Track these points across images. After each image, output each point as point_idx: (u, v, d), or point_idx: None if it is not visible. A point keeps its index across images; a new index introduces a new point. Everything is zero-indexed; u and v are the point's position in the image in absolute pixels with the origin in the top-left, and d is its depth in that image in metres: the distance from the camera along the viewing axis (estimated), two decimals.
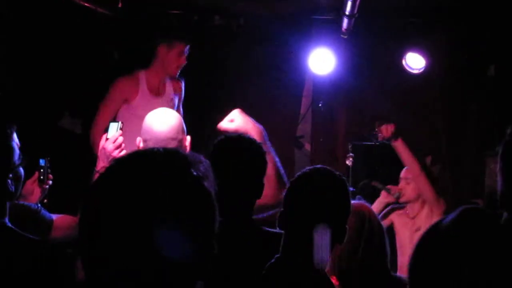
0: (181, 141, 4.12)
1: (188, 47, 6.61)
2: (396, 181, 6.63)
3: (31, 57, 6.98)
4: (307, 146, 8.65)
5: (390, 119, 6.47)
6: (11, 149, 2.85)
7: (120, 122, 4.19)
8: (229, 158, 3.48)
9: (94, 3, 6.52)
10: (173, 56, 6.53)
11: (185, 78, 6.94)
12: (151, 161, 1.57)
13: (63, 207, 4.13)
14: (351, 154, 7.46)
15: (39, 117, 7.03)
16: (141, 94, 6.44)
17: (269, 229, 3.48)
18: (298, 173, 3.11)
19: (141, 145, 4.16)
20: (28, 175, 4.08)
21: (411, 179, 6.20)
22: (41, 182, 4.13)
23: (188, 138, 4.21)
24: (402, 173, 6.30)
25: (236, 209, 3.34)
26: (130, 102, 6.39)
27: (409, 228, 6.24)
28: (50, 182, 4.16)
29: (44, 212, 3.76)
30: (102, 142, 4.10)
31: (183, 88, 6.83)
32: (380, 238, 3.56)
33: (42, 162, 4.16)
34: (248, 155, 3.49)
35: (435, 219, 5.88)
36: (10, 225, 2.80)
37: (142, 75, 6.55)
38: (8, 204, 2.82)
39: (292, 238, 2.97)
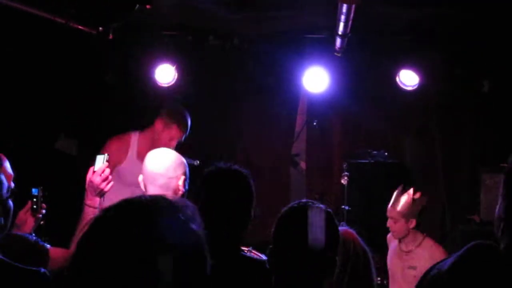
0: (172, 179, 4.12)
1: (183, 137, 6.63)
2: (388, 200, 6.60)
3: (25, 80, 7.00)
4: (302, 164, 8.66)
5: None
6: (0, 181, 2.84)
7: (106, 155, 4.18)
8: (219, 189, 3.47)
9: (89, 26, 6.54)
10: (166, 137, 6.58)
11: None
12: (138, 208, 1.57)
13: (59, 231, 4.13)
14: (346, 173, 7.47)
15: (35, 140, 7.03)
16: (130, 159, 6.49)
17: (257, 257, 3.48)
18: (283, 211, 3.08)
19: (140, 180, 4.20)
20: (21, 204, 4.07)
21: (397, 218, 6.14)
22: (34, 212, 4.10)
23: (182, 177, 4.18)
24: (388, 212, 6.21)
25: (225, 241, 3.35)
26: (118, 166, 6.39)
27: (401, 261, 6.21)
28: (44, 211, 4.14)
29: (41, 243, 3.75)
30: (89, 175, 4.08)
31: None
32: (366, 265, 3.53)
33: (34, 191, 4.14)
34: (238, 186, 3.49)
35: (436, 256, 5.89)
36: (1, 256, 2.78)
37: (135, 139, 6.61)
38: None
39: (283, 276, 2.95)
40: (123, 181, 6.11)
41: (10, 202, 2.88)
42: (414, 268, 6.13)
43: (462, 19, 7.07)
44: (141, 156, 6.48)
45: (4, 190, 2.83)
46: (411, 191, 6.19)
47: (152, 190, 4.10)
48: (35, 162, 4.02)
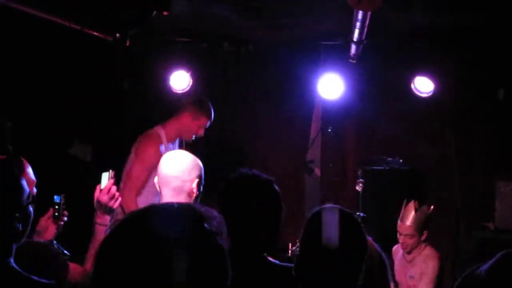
0: (186, 182, 4.10)
1: (209, 122, 6.80)
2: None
3: (42, 86, 7.03)
4: (317, 171, 8.66)
5: None
6: (20, 188, 2.83)
7: (110, 171, 4.16)
8: (243, 196, 3.44)
9: (104, 33, 6.57)
10: (195, 127, 6.75)
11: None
12: (165, 216, 1.57)
13: (74, 238, 4.14)
14: (361, 179, 7.45)
15: (50, 146, 7.06)
16: (164, 151, 6.54)
17: (283, 264, 3.45)
18: (310, 216, 3.07)
19: (155, 181, 4.19)
20: (43, 211, 4.09)
21: (413, 233, 6.10)
22: (56, 219, 4.11)
23: (196, 180, 4.17)
24: (402, 229, 6.16)
25: (251, 247, 3.33)
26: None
27: (404, 270, 6.19)
28: (65, 218, 4.15)
29: (63, 254, 3.74)
30: (96, 194, 4.04)
31: None
32: (381, 270, 3.52)
33: (57, 198, 4.15)
34: (263, 192, 3.45)
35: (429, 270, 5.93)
36: (14, 266, 2.76)
37: (161, 132, 6.74)
38: (14, 246, 2.78)
39: (309, 284, 2.94)
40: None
41: (31, 208, 2.87)
42: (412, 277, 6.12)
43: (477, 26, 7.06)
44: (168, 149, 6.57)
45: (25, 196, 2.82)
46: (417, 204, 6.16)
47: (166, 193, 4.10)
48: (52, 168, 4.04)
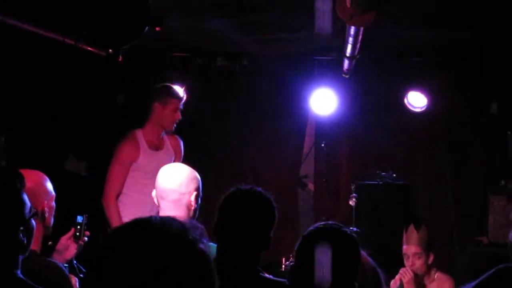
0: (184, 195, 4.10)
1: (182, 102, 6.70)
2: (398, 223, 6.54)
3: (34, 100, 7.03)
4: (311, 186, 8.66)
5: None
6: (22, 201, 2.86)
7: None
8: (239, 210, 3.46)
9: (97, 48, 6.58)
10: (169, 112, 6.65)
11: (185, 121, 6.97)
12: (147, 229, 1.59)
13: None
14: (354, 194, 7.46)
15: (44, 161, 7.05)
16: (143, 152, 6.58)
17: (276, 279, 3.47)
18: (308, 230, 3.09)
19: (153, 194, 4.20)
20: (64, 230, 4.12)
21: (421, 252, 5.98)
22: (77, 238, 4.14)
23: (194, 193, 4.18)
24: (409, 250, 6.05)
25: (244, 262, 3.34)
26: (136, 161, 6.55)
27: None
28: (86, 238, 4.18)
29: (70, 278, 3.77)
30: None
31: (181, 146, 6.90)
32: (375, 285, 3.53)
33: (79, 218, 4.19)
34: (259, 207, 3.47)
35: None
36: (22, 277, 2.81)
37: (140, 134, 6.69)
38: (20, 257, 2.83)
39: None
40: (143, 171, 6.40)
41: (33, 222, 2.91)
42: None
43: (469, 41, 7.10)
44: (152, 145, 6.63)
45: (27, 210, 2.86)
46: (417, 225, 6.08)
47: (165, 206, 4.11)
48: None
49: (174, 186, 4.11)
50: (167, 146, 6.74)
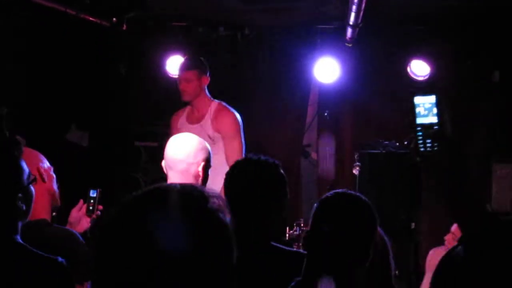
0: (190, 164, 4.11)
1: (180, 74, 6.54)
2: (402, 190, 6.53)
3: (38, 72, 7.02)
4: (314, 155, 8.66)
5: None
6: (20, 168, 2.89)
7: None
8: (248, 180, 3.46)
9: (100, 18, 6.56)
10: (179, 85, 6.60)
11: None
12: (166, 196, 1.59)
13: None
14: (357, 163, 7.45)
15: (47, 132, 7.06)
16: (180, 123, 6.54)
17: (288, 248, 3.48)
18: (326, 195, 3.10)
19: (163, 164, 4.21)
20: (73, 202, 4.14)
21: (458, 235, 5.97)
22: (90, 212, 4.14)
23: (202, 164, 4.18)
24: (453, 228, 6.04)
25: (255, 232, 3.35)
26: (175, 131, 6.47)
27: None
28: (99, 213, 4.19)
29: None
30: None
31: (226, 122, 6.51)
32: (384, 253, 3.53)
33: (92, 192, 4.19)
34: (268, 176, 3.47)
35: None
36: (21, 241, 2.84)
37: (189, 106, 6.62)
38: (20, 223, 2.86)
39: (316, 260, 2.96)
40: None
41: (32, 188, 2.93)
42: None
43: (472, 9, 7.07)
44: (191, 118, 6.54)
45: (25, 177, 2.89)
46: None
47: (172, 176, 4.11)
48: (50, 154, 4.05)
49: (181, 156, 4.11)
50: (205, 121, 6.52)
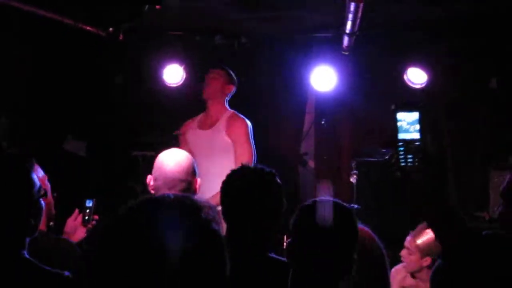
0: (190, 183, 4.06)
1: (208, 72, 6.65)
2: (399, 199, 6.51)
3: (35, 82, 7.02)
4: (311, 163, 8.66)
5: None
6: (31, 182, 2.88)
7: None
8: (244, 189, 3.45)
9: (97, 28, 6.56)
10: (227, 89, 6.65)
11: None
12: (161, 206, 1.59)
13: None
14: (355, 171, 7.45)
15: (44, 142, 7.06)
16: (191, 129, 6.53)
17: (283, 259, 3.47)
18: (304, 203, 3.09)
19: (152, 183, 4.10)
20: (69, 211, 4.13)
21: (413, 250, 5.74)
22: (86, 222, 4.15)
23: (199, 180, 4.14)
24: (407, 242, 5.81)
25: (251, 242, 3.34)
26: (186, 137, 6.53)
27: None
28: (94, 222, 4.17)
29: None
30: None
31: (239, 128, 6.50)
32: (381, 262, 3.53)
33: (88, 202, 4.19)
34: (264, 185, 3.46)
35: None
36: (28, 257, 2.82)
37: (202, 114, 6.64)
38: (28, 238, 2.85)
39: (301, 271, 2.95)
40: (191, 148, 6.21)
41: (42, 202, 2.92)
42: None
43: (470, 15, 7.07)
44: (203, 124, 6.52)
45: (36, 191, 2.87)
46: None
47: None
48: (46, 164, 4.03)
49: (182, 175, 4.05)
50: (218, 127, 6.49)
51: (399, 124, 3.50)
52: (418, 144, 3.27)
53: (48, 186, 3.69)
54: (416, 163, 3.02)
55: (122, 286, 1.52)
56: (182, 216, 1.57)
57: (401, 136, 3.49)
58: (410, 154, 3.46)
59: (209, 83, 6.50)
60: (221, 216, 3.34)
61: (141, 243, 1.52)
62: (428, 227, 5.73)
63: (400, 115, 3.47)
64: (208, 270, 1.55)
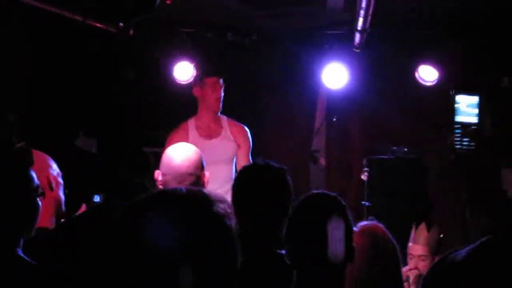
0: (199, 177, 4.02)
1: (221, 78, 6.57)
2: (411, 194, 6.48)
3: (46, 78, 7.03)
4: (322, 161, 8.64)
5: None
6: (28, 180, 2.84)
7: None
8: (254, 187, 3.46)
9: (107, 24, 6.56)
10: (209, 92, 6.50)
11: None
12: (173, 200, 1.58)
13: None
14: (366, 168, 7.44)
15: (55, 138, 7.06)
16: (192, 140, 6.15)
17: None
18: (292, 208, 3.12)
19: (160, 178, 4.07)
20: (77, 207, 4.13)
21: (427, 254, 5.65)
22: None
23: (207, 174, 4.13)
24: (414, 251, 5.70)
25: (259, 239, 3.34)
26: None
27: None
28: None
29: None
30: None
31: (246, 135, 6.56)
32: (394, 258, 3.53)
33: (96, 197, 4.17)
34: (274, 181, 3.48)
35: None
36: (23, 255, 2.79)
37: (192, 122, 6.51)
38: (23, 236, 2.81)
39: (302, 271, 2.96)
40: None
41: (39, 201, 2.89)
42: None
43: (482, 12, 7.04)
44: (205, 133, 6.42)
45: (32, 188, 2.84)
46: (428, 225, 5.77)
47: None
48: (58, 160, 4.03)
49: (191, 169, 4.00)
50: (225, 134, 6.47)
51: (456, 106, 3.45)
52: (476, 128, 3.21)
53: (60, 183, 3.68)
54: (472, 147, 2.95)
55: (132, 281, 1.51)
56: (194, 210, 1.55)
57: (458, 118, 3.44)
58: (466, 138, 3.39)
59: (219, 94, 6.44)
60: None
61: (152, 237, 1.51)
62: (421, 227, 5.68)
63: (459, 98, 3.41)
64: (219, 264, 1.54)
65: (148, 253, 1.50)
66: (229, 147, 6.36)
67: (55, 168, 3.68)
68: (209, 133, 6.45)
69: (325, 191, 3.14)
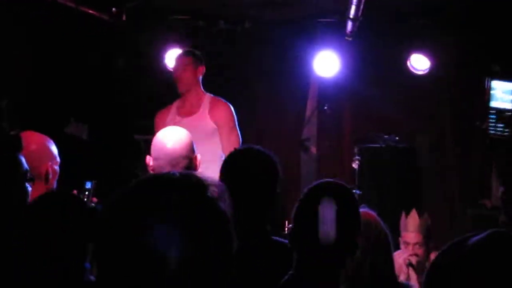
0: (191, 160, 4.00)
1: (186, 58, 6.41)
2: (402, 182, 6.49)
3: (37, 65, 7.01)
4: (313, 149, 8.65)
5: None
6: (16, 165, 2.85)
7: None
8: (241, 170, 3.45)
9: (99, 11, 6.54)
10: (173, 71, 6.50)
11: None
12: (167, 184, 1.58)
13: None
14: (357, 157, 7.45)
15: (46, 125, 7.04)
16: (170, 118, 6.27)
17: (284, 241, 3.47)
18: (306, 189, 3.08)
19: (151, 163, 4.03)
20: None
21: (422, 242, 5.62)
22: None
23: (199, 156, 4.12)
24: (413, 239, 5.66)
25: (251, 223, 3.34)
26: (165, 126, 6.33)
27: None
28: (93, 204, 4.15)
29: None
30: None
31: (224, 113, 6.33)
32: (387, 246, 3.54)
33: (88, 184, 4.16)
34: (260, 165, 3.47)
35: None
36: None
37: (177, 102, 6.45)
38: (11, 220, 2.81)
39: (304, 255, 2.96)
40: None
41: (28, 186, 2.89)
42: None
43: (473, 1, 7.05)
44: (183, 112, 6.31)
45: (21, 173, 2.85)
46: (419, 212, 5.76)
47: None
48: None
49: (184, 151, 3.98)
50: (201, 113, 6.33)
51: (492, 92, 3.43)
52: (511, 114, 3.19)
53: (57, 173, 3.68)
54: (506, 133, 2.93)
55: (125, 267, 1.51)
56: (188, 194, 1.55)
57: (494, 104, 3.43)
58: (501, 123, 3.38)
59: (180, 76, 6.35)
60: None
61: (146, 222, 1.51)
62: (412, 215, 5.68)
63: (495, 84, 3.39)
64: (214, 249, 1.54)
65: (142, 238, 1.50)
66: (203, 126, 6.22)
67: (55, 154, 3.68)
68: (186, 112, 6.36)
69: (335, 180, 3.11)
